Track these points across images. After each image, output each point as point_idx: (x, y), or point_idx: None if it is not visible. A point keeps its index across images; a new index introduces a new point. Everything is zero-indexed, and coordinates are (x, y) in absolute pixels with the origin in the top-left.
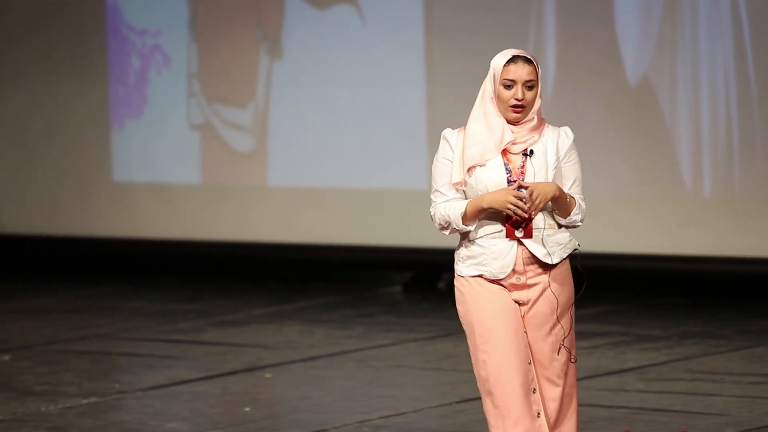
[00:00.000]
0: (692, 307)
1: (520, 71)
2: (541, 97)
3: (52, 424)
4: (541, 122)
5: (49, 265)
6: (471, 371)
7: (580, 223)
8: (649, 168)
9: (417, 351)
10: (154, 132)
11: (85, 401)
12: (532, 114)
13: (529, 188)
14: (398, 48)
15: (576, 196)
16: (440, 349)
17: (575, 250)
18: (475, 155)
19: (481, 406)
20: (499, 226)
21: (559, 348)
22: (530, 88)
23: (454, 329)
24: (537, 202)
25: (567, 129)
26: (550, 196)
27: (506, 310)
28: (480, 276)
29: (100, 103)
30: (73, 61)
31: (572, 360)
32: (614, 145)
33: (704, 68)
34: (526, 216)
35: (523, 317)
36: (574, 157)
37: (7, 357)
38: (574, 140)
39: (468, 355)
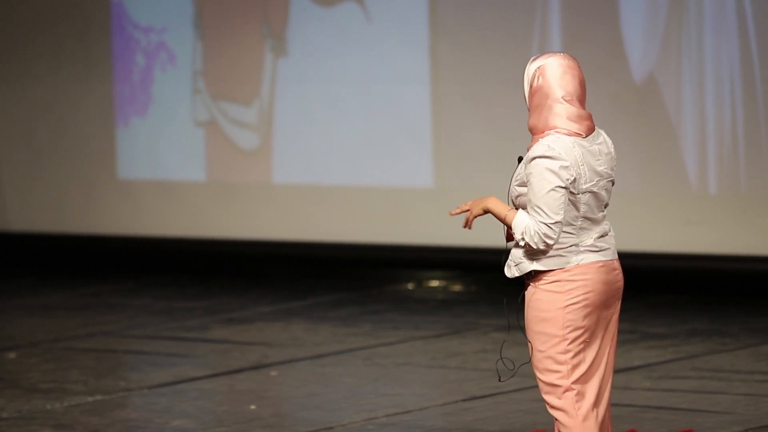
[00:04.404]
0: (698, 304)
1: None
2: (530, 109)
3: (58, 422)
4: (543, 133)
5: (54, 262)
6: (476, 369)
7: (522, 243)
8: (654, 166)
9: (423, 349)
10: (159, 129)
11: (90, 399)
12: (529, 124)
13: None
14: (403, 45)
15: (519, 218)
16: (447, 347)
17: (527, 275)
18: None
19: (488, 404)
20: None
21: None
22: None
23: (461, 327)
24: (468, 213)
25: (538, 143)
26: (478, 209)
27: None
28: None
29: (105, 101)
30: (78, 59)
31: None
32: (619, 143)
33: (709, 66)
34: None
35: None
36: (528, 176)
37: (13, 354)
38: (537, 158)
39: (474, 353)
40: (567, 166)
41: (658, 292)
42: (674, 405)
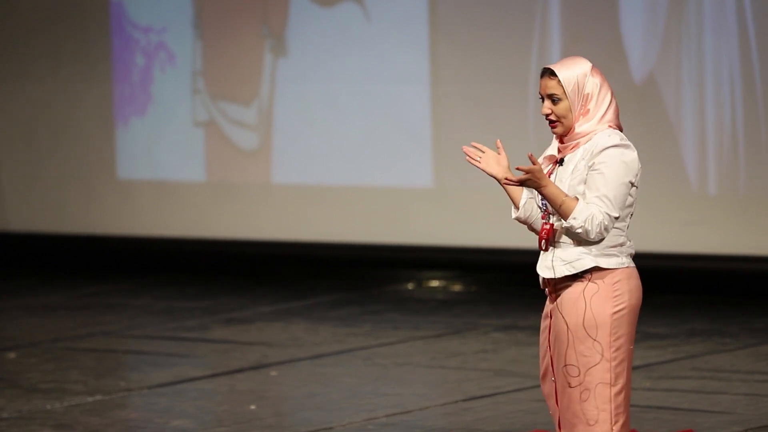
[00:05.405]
0: (698, 305)
1: (544, 84)
2: (582, 113)
3: (58, 422)
4: (593, 131)
5: (54, 262)
6: (477, 369)
7: (579, 231)
8: (654, 166)
9: (423, 349)
10: (158, 129)
11: (90, 399)
12: (579, 129)
13: (533, 167)
14: (403, 45)
15: (582, 205)
16: (446, 347)
17: (587, 272)
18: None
19: (487, 404)
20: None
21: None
22: (556, 101)
23: (461, 327)
24: (525, 177)
25: (604, 134)
26: (535, 183)
27: (545, 327)
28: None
29: (104, 101)
30: (78, 58)
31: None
32: None
33: (709, 66)
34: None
35: (549, 331)
36: (598, 165)
37: (12, 354)
38: (612, 147)
39: (473, 353)
40: (636, 158)
41: (658, 292)
42: (674, 405)
